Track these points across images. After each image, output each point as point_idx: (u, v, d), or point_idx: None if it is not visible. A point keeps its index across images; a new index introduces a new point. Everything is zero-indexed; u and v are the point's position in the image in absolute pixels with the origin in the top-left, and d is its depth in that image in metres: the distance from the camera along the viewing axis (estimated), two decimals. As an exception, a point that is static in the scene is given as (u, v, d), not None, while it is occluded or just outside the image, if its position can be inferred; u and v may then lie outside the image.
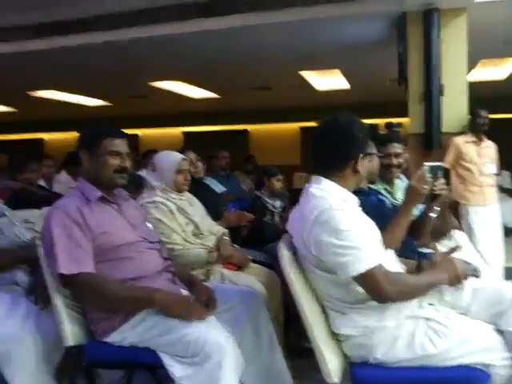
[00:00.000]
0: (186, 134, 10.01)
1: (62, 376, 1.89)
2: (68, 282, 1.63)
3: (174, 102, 8.06)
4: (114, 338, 1.67)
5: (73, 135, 10.20)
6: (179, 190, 2.43)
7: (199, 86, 7.01)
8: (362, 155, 1.56)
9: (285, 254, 1.51)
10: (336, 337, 1.52)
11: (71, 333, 1.72)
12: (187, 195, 2.51)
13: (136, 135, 10.14)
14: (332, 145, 1.57)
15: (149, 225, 1.98)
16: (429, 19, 3.78)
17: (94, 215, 1.72)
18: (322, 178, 1.56)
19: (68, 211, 1.67)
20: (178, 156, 2.47)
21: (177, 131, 10.01)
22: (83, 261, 1.63)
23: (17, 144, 10.37)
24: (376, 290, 1.41)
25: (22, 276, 2.06)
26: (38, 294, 1.94)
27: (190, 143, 9.65)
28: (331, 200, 1.47)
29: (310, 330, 1.44)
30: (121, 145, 1.82)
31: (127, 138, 1.87)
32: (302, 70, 5.95)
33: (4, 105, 8.17)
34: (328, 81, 6.63)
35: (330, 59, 5.42)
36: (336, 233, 1.41)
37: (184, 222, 2.36)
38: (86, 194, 1.77)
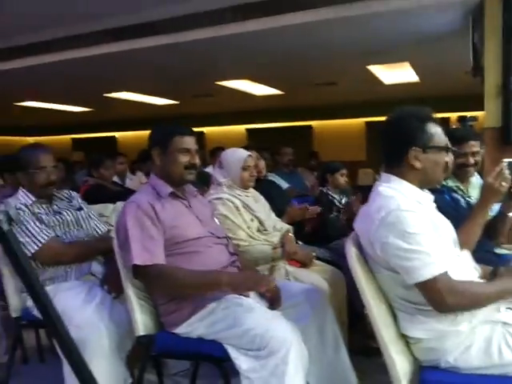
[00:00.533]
0: (249, 130, 10.11)
1: (133, 363, 1.99)
2: (141, 273, 1.71)
3: (238, 100, 8.17)
4: (183, 329, 1.73)
5: (143, 133, 10.70)
6: (245, 187, 2.46)
7: (264, 84, 7.04)
8: (417, 148, 1.46)
9: (353, 253, 1.48)
10: (405, 339, 1.47)
11: (142, 323, 1.80)
12: (252, 192, 2.54)
13: (202, 132, 10.40)
14: (388, 139, 1.52)
15: (216, 221, 2.03)
16: (509, 5, 3.53)
17: (165, 210, 1.80)
18: (392, 176, 1.51)
19: (141, 205, 1.76)
20: (244, 153, 2.50)
21: (241, 128, 10.14)
22: (155, 252, 1.70)
23: (93, 142, 11.05)
24: (435, 299, 1.34)
25: (97, 266, 2.19)
26: (111, 284, 2.05)
27: (253, 140, 9.78)
28: (400, 200, 1.41)
29: (379, 332, 1.41)
30: (190, 142, 1.88)
31: (195, 136, 1.93)
32: (369, 65, 5.80)
33: (82, 106, 8.68)
34: (396, 74, 6.41)
35: (399, 52, 5.23)
36: (403, 235, 1.35)
37: (249, 219, 2.39)
38: (158, 189, 1.85)
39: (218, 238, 1.91)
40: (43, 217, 2.11)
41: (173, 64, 5.52)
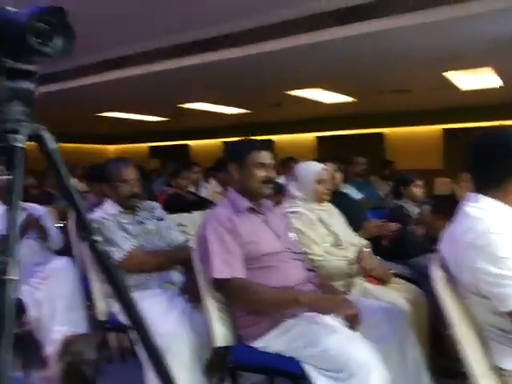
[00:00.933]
0: (319, 138, 10.03)
1: (211, 373, 2.03)
2: (221, 286, 1.75)
3: (308, 108, 8.15)
4: (260, 343, 1.74)
5: (214, 141, 11.00)
6: (319, 200, 2.44)
7: (335, 91, 6.97)
8: None
9: (438, 276, 1.41)
10: (499, 371, 1.37)
11: (220, 334, 1.83)
12: (327, 205, 2.51)
13: (271, 141, 10.48)
14: (492, 160, 1.42)
15: (292, 235, 2.03)
16: None
17: (243, 224, 1.82)
18: (480, 196, 1.42)
19: (221, 220, 1.80)
20: (319, 166, 2.48)
21: (310, 136, 10.10)
22: (235, 266, 1.73)
23: (168, 150, 11.51)
24: None
25: (177, 276, 2.27)
26: (191, 294, 2.11)
27: (323, 148, 9.71)
28: (489, 222, 1.32)
29: (468, 364, 1.32)
30: (266, 157, 1.90)
31: (271, 150, 1.95)
32: (446, 71, 5.55)
33: (158, 116, 9.10)
34: (475, 80, 6.07)
35: (479, 57, 4.96)
36: (494, 260, 1.27)
37: (324, 233, 2.36)
38: (236, 204, 1.88)
39: (295, 253, 1.91)
40: (128, 226, 2.23)
41: (247, 75, 5.62)
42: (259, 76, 5.75)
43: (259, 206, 1.94)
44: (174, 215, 2.89)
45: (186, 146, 11.65)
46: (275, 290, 1.72)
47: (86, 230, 0.91)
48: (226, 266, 1.72)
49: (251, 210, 1.90)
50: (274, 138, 10.43)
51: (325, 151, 9.44)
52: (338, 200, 2.71)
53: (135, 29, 4.59)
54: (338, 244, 2.39)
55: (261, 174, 1.87)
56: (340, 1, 3.99)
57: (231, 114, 8.78)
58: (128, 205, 2.30)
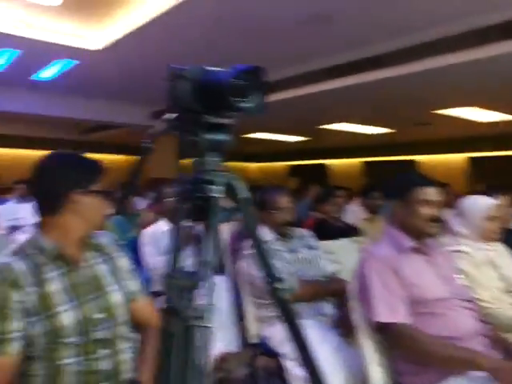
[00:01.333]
0: (473, 160, 9.17)
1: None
2: (383, 330, 1.64)
3: (458, 127, 7.56)
4: (428, 396, 1.59)
5: (354, 161, 10.81)
6: (488, 240, 2.18)
7: (492, 109, 6.36)
8: None
9: None
10: None
11: (379, 377, 1.73)
12: (497, 245, 2.24)
13: (413, 161, 9.92)
14: None
15: (460, 280, 1.84)
16: None
17: (406, 266, 1.70)
18: None
19: (383, 259, 1.71)
20: (489, 201, 2.22)
21: (461, 157, 9.31)
22: (399, 310, 1.62)
23: (307, 169, 11.65)
24: None
25: (328, 307, 2.22)
26: (344, 327, 2.04)
27: (477, 170, 8.86)
28: None
29: None
30: (433, 194, 1.76)
31: (438, 187, 1.80)
32: None
33: (298, 135, 9.27)
34: None
35: None
36: None
37: (493, 277, 2.10)
38: (398, 242, 1.77)
39: (464, 300, 1.72)
40: (284, 254, 2.24)
41: (392, 95, 5.44)
42: (401, 96, 5.52)
43: (424, 246, 1.80)
44: (323, 242, 2.85)
45: (324, 165, 11.65)
46: (447, 343, 1.56)
47: (270, 277, 0.91)
48: (389, 310, 1.62)
49: (415, 250, 1.76)
50: (418, 158, 9.88)
51: (479, 174, 8.62)
52: (510, 239, 2.40)
53: (287, 54, 4.74)
54: (509, 290, 2.11)
55: (426, 211, 1.74)
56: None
57: (372, 134, 8.55)
58: (282, 232, 2.33)
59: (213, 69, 0.84)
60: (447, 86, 4.95)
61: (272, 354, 2.17)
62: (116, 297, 1.26)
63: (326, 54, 4.75)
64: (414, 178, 1.85)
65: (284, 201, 2.34)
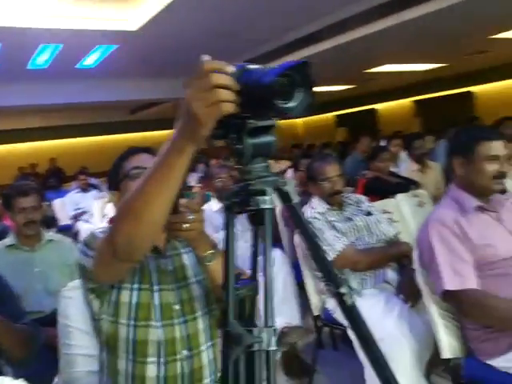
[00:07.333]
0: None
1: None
2: (452, 298, 1.59)
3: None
4: (501, 363, 1.54)
5: (403, 102, 10.29)
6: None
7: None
8: None
9: None
10: None
11: (448, 344, 1.69)
12: None
13: (469, 93, 9.29)
14: None
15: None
16: None
17: (473, 226, 1.62)
18: None
19: (446, 223, 1.62)
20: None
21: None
22: (467, 276, 1.56)
23: (354, 117, 11.24)
24: None
25: (392, 274, 2.17)
26: (407, 293, 2.00)
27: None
28: None
29: None
30: (498, 148, 1.64)
31: (503, 139, 1.66)
32: None
33: (345, 84, 8.90)
34: None
35: None
36: None
37: None
38: (461, 203, 1.67)
39: (540, 258, 1.61)
40: (337, 224, 2.19)
41: (444, 27, 5.05)
42: (457, 25, 5.10)
43: (490, 203, 1.69)
44: (378, 202, 2.76)
45: (372, 110, 11.19)
46: None
47: (332, 281, 0.87)
48: (457, 276, 1.55)
49: (481, 209, 1.66)
50: (474, 89, 9.24)
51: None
52: None
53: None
54: None
55: (492, 168, 1.62)
56: None
57: (423, 71, 8.06)
58: (334, 201, 2.28)
59: (255, 67, 0.77)
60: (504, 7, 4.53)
61: (337, 325, 2.18)
62: None
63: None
64: (476, 132, 1.71)
65: (332, 170, 2.27)
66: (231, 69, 0.71)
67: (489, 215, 1.68)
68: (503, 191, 1.69)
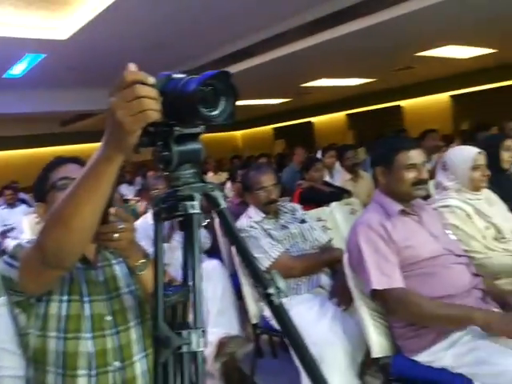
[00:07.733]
0: (454, 97, 9.08)
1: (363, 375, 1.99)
2: (379, 297, 1.67)
3: (440, 67, 7.49)
4: (424, 357, 1.63)
5: (338, 115, 10.71)
6: (476, 189, 2.20)
7: (473, 45, 6.28)
8: None
9: None
10: None
11: (378, 344, 1.77)
12: (485, 193, 2.26)
13: (398, 107, 9.84)
14: None
15: (451, 235, 1.87)
16: None
17: (397, 229, 1.72)
18: None
19: (372, 226, 1.71)
20: (473, 150, 2.22)
21: (443, 96, 9.23)
22: (393, 276, 1.65)
23: (292, 129, 11.54)
24: None
25: (325, 279, 2.25)
26: (340, 297, 2.07)
27: (459, 107, 8.80)
28: None
29: None
30: (415, 156, 1.76)
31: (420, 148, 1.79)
32: None
33: (281, 98, 9.12)
34: None
35: None
36: None
37: (483, 226, 2.12)
38: (386, 208, 1.78)
39: (457, 256, 1.75)
40: (273, 232, 2.25)
41: (373, 44, 5.33)
42: (385, 43, 5.42)
43: (411, 207, 1.81)
44: (313, 211, 2.86)
45: (309, 123, 11.54)
46: (441, 303, 1.59)
47: (259, 282, 0.90)
48: (383, 276, 1.64)
49: (403, 213, 1.78)
50: (402, 103, 9.80)
51: (461, 110, 8.61)
52: (502, 182, 2.41)
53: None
54: (500, 237, 2.14)
55: (411, 175, 1.74)
56: None
57: (356, 85, 8.45)
58: (270, 210, 2.33)
59: (179, 76, 0.79)
60: (424, 28, 4.87)
61: (275, 332, 2.22)
62: None
63: (303, 10, 4.62)
64: (395, 143, 1.82)
65: (267, 179, 2.33)
66: (152, 80, 0.72)
67: (411, 218, 1.79)
68: (427, 197, 1.81)
